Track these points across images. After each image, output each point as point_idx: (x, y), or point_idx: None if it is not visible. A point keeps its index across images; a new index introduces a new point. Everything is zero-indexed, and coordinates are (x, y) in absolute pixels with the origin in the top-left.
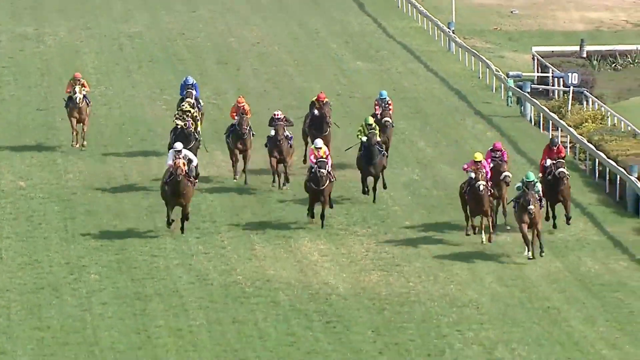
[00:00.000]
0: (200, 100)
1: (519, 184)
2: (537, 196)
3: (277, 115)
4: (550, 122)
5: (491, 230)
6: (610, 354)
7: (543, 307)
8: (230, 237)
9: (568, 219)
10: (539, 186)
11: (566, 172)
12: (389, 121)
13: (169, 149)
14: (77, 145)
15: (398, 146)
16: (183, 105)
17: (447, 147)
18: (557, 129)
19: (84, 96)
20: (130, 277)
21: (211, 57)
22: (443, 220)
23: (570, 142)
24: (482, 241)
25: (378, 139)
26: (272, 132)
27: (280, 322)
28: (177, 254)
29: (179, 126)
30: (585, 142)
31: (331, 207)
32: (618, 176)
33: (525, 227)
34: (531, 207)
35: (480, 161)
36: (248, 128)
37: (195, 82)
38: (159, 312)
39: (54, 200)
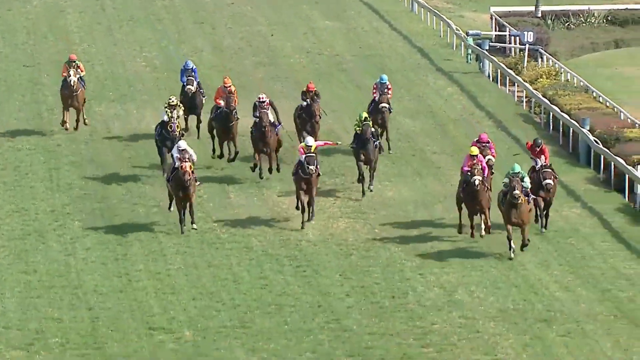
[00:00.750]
0: (202, 86)
1: (505, 180)
2: (525, 189)
3: (262, 98)
4: (507, 78)
5: (489, 223)
6: (563, 295)
7: (500, 252)
8: (207, 187)
9: (544, 224)
10: (527, 181)
11: (552, 184)
12: (385, 107)
13: (156, 142)
14: (69, 127)
15: (363, 101)
16: (171, 100)
17: (410, 102)
18: (514, 85)
19: (79, 78)
20: (112, 223)
21: (188, 16)
22: (407, 171)
23: (526, 97)
24: (481, 234)
25: (372, 129)
26: (257, 119)
27: (254, 267)
28: (157, 202)
29: (165, 120)
30: (540, 96)
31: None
32: (571, 129)
33: (511, 227)
34: (519, 199)
35: (476, 155)
36: (234, 110)
37: (194, 66)
38: (139, 256)
39: (39, 152)
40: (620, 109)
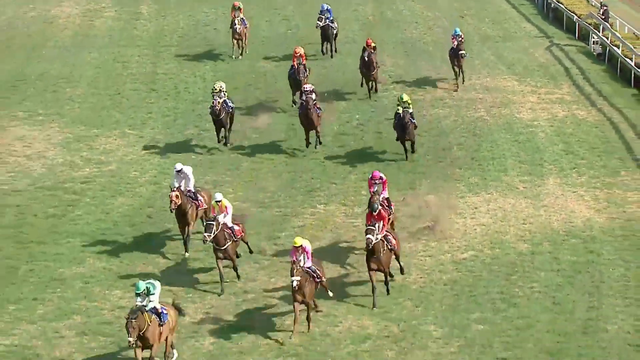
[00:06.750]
0: (335, 23)
1: None
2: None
3: (307, 88)
4: None
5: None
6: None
7: None
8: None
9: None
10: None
11: (372, 239)
12: (463, 52)
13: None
14: (241, 56)
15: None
16: (214, 87)
17: None
18: None
19: (242, 20)
20: None
21: None
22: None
23: None
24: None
25: (411, 110)
26: (303, 102)
27: None
28: None
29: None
30: None
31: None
32: None
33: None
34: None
35: (300, 246)
36: (305, 72)
37: (329, 7)
38: None
39: None
40: None
